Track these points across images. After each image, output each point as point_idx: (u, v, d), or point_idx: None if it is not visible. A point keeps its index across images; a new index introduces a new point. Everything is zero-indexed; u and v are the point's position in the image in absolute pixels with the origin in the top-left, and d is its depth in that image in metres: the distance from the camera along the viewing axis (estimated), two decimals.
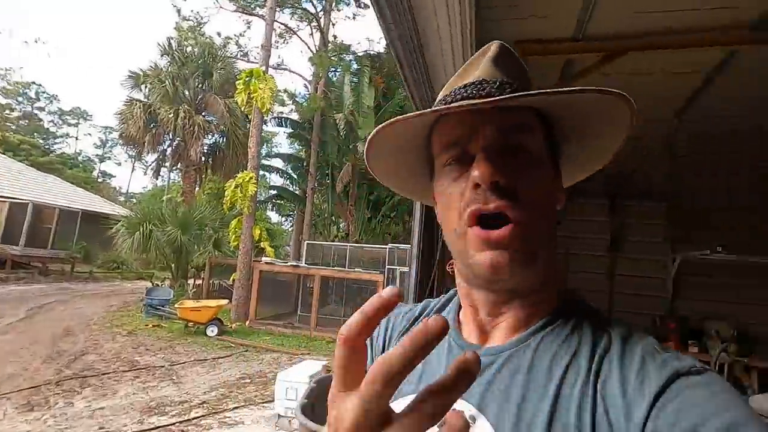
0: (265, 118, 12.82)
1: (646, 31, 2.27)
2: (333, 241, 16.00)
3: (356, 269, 9.53)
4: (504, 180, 0.46)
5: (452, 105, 0.48)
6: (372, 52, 18.63)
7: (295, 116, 18.42)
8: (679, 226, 3.89)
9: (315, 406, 2.91)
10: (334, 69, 18.20)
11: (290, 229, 28.55)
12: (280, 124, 17.09)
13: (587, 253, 4.23)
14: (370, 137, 0.53)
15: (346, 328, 0.25)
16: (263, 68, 11.84)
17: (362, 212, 16.38)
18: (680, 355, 0.42)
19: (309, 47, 19.15)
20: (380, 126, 0.50)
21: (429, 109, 0.48)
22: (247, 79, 11.51)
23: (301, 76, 18.98)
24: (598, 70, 2.65)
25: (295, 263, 9.79)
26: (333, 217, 17.72)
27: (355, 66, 17.94)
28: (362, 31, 54.11)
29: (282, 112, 18.87)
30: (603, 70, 2.58)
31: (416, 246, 3.95)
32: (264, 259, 10.28)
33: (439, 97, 0.55)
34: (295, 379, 4.60)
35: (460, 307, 0.58)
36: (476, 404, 0.46)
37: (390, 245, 9.56)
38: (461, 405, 0.48)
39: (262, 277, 9.92)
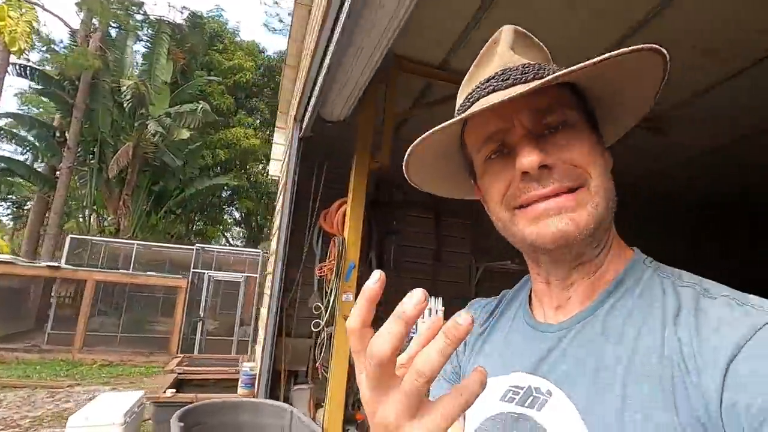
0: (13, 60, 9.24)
1: None
2: (94, 236, 12.66)
3: (149, 272, 7.83)
4: (551, 159, 0.46)
5: (480, 103, 0.48)
6: (170, 21, 15.94)
7: (48, 69, 13.87)
8: (481, 241, 4.79)
9: None
10: (116, 26, 14.69)
11: (6, 218, 21.02)
12: (22, 75, 12.50)
13: (417, 261, 4.78)
14: (406, 157, 0.51)
15: (350, 320, 0.31)
16: None
17: (140, 205, 13.59)
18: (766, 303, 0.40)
19: None
20: (413, 144, 0.49)
21: (458, 117, 0.47)
22: None
23: (62, 20, 14.40)
24: (450, 103, 3.05)
25: (53, 263, 7.24)
26: (96, 207, 14.04)
27: (148, 30, 14.93)
28: None
29: (28, 60, 13.89)
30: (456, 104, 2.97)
31: (282, 248, 3.65)
32: None
33: (462, 97, 0.54)
34: (101, 421, 3.40)
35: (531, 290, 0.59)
36: (553, 379, 0.46)
37: (197, 245, 8.18)
38: (537, 381, 0.48)
39: None
